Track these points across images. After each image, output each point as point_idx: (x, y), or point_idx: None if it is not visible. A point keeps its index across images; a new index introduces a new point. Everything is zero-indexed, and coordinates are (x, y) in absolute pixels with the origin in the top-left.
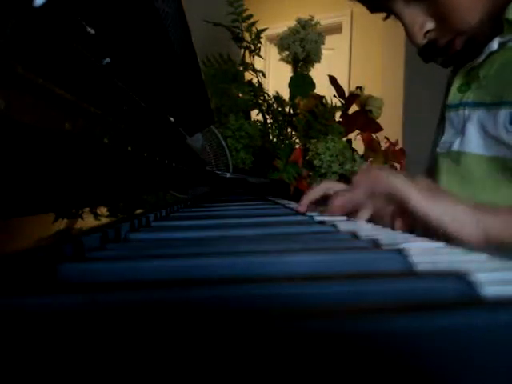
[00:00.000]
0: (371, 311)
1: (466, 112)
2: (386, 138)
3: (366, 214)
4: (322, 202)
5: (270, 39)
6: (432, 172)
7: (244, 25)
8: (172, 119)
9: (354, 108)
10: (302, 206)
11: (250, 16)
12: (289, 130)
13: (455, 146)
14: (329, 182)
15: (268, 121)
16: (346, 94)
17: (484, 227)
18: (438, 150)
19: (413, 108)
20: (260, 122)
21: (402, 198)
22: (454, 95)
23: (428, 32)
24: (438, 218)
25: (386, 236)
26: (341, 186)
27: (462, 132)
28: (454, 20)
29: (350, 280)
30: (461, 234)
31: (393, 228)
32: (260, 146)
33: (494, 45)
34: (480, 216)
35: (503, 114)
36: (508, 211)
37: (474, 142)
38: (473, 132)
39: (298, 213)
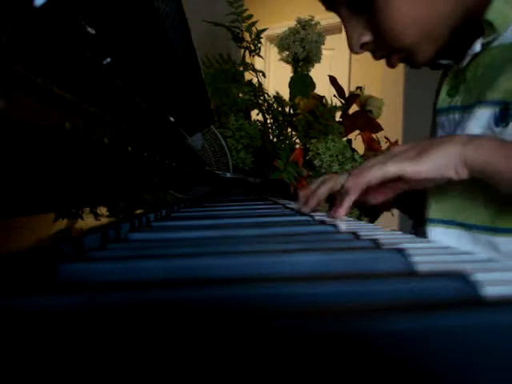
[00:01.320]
0: (371, 311)
1: (456, 116)
2: (386, 137)
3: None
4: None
5: (270, 39)
6: None
7: (244, 25)
8: (172, 119)
9: (354, 108)
10: (308, 207)
11: (250, 16)
12: (289, 130)
13: None
14: (331, 178)
15: (268, 121)
16: (346, 94)
17: (470, 162)
18: None
19: (413, 108)
20: (260, 121)
21: (401, 175)
22: (443, 99)
23: (365, 44)
24: (427, 173)
25: (386, 236)
26: (340, 179)
27: None
28: (388, 37)
29: (350, 280)
30: (448, 176)
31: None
32: (260, 146)
33: (477, 47)
34: (465, 151)
35: (489, 114)
36: (493, 142)
37: None
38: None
39: (298, 213)
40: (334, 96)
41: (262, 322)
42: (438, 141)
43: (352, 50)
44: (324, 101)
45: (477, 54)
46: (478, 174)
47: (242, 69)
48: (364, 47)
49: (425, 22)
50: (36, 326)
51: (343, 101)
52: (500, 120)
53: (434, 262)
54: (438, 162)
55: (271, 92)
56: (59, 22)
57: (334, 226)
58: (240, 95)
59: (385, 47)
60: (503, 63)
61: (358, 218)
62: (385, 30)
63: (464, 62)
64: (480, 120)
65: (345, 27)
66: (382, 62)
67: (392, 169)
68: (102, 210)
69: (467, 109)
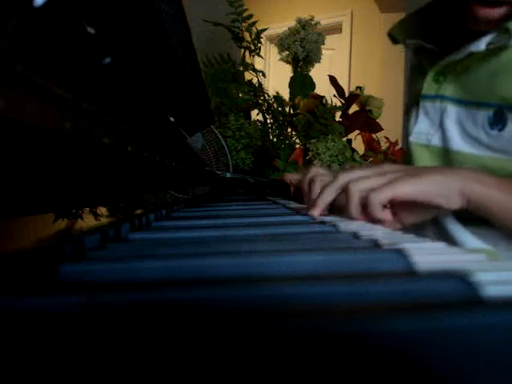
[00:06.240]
0: (371, 311)
1: (444, 105)
2: (386, 137)
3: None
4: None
5: (270, 39)
6: (409, 158)
7: (244, 25)
8: (172, 119)
9: (354, 108)
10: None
11: (250, 16)
12: (289, 130)
13: (436, 141)
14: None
15: (268, 121)
16: (346, 94)
17: (468, 193)
18: (411, 138)
19: None
20: (260, 121)
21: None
22: (429, 85)
23: None
24: (424, 198)
25: (386, 236)
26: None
27: (440, 126)
28: None
29: (350, 280)
30: (445, 205)
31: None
32: (260, 146)
33: (481, 45)
34: (464, 183)
35: (482, 115)
36: (493, 178)
37: (458, 140)
38: (453, 129)
39: (298, 213)
40: (334, 96)
41: (262, 322)
42: (438, 169)
43: None
44: (324, 101)
45: (473, 53)
46: (475, 206)
47: (241, 69)
48: None
49: None
50: (36, 327)
51: (343, 101)
52: (494, 123)
53: (434, 262)
54: (427, 188)
55: (271, 92)
56: (59, 21)
57: (334, 225)
58: (240, 95)
59: None
60: (503, 67)
61: None
62: None
63: (461, 56)
64: (476, 120)
65: None
66: (382, 62)
67: (385, 195)
68: (102, 210)
69: (457, 102)
